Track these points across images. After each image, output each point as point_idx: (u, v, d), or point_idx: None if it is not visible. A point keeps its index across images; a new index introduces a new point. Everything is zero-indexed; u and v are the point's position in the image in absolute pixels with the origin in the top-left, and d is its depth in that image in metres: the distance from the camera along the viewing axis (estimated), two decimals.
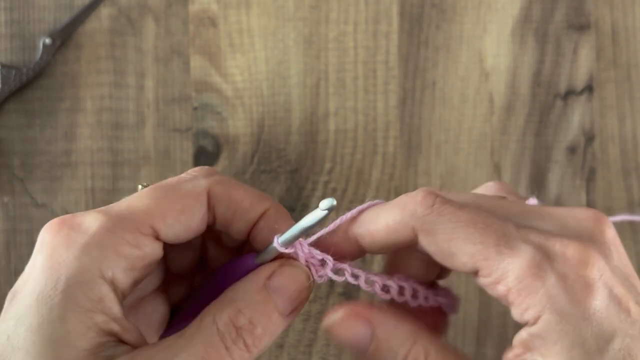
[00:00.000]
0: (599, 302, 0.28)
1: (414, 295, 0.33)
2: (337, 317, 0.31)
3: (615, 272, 0.29)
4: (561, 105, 0.52)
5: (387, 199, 0.51)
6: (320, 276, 0.32)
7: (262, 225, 0.32)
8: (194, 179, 0.32)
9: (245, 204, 0.32)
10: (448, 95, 0.52)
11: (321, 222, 0.30)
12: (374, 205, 0.33)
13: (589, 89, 0.52)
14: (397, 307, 0.33)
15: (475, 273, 0.30)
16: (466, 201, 0.31)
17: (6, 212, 0.50)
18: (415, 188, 0.51)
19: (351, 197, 0.51)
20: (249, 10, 0.51)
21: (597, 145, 0.52)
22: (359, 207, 0.32)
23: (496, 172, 0.52)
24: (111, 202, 0.50)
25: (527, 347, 0.28)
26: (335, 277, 0.32)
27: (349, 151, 0.51)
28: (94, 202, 0.50)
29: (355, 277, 0.32)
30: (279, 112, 0.51)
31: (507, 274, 0.28)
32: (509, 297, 0.29)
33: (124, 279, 0.29)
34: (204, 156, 0.51)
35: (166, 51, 0.51)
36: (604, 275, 0.28)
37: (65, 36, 0.50)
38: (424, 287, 0.33)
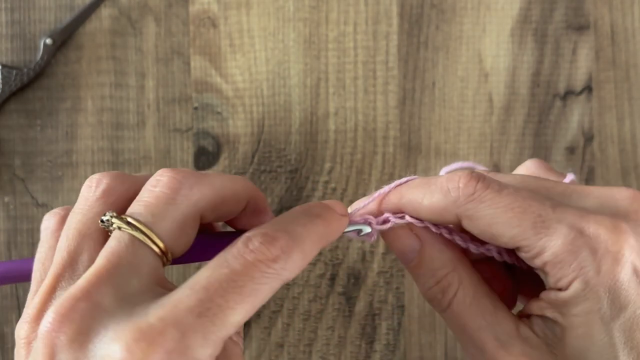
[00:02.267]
0: (622, 275, 0.30)
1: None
2: (394, 232, 0.34)
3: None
4: (560, 106, 0.52)
5: None
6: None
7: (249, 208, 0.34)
8: (270, 272, 0.29)
9: (235, 200, 0.33)
10: (447, 96, 0.52)
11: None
12: (411, 180, 0.34)
13: (588, 89, 0.52)
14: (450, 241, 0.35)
15: (516, 249, 0.32)
16: (509, 182, 0.33)
17: (7, 212, 0.50)
18: None
19: (351, 197, 0.51)
20: (249, 10, 0.51)
21: (596, 145, 0.52)
22: (397, 182, 0.34)
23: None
24: None
25: (552, 303, 0.32)
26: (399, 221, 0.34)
27: (349, 151, 0.51)
28: None
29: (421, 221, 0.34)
30: (279, 112, 0.51)
31: (544, 250, 0.31)
32: (545, 268, 0.31)
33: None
34: (205, 156, 0.51)
35: (167, 51, 0.51)
36: (633, 251, 0.31)
37: (65, 36, 0.50)
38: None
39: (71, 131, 0.51)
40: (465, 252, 0.35)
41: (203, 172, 0.32)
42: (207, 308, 0.26)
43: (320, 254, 0.51)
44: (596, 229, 0.31)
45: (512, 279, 0.36)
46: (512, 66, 0.52)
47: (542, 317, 0.32)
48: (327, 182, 0.51)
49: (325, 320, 0.51)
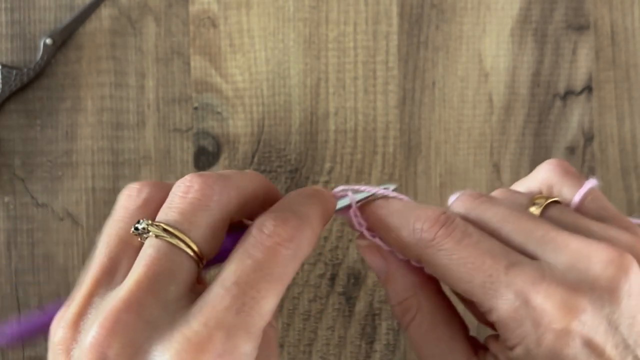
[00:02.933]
0: (568, 350, 0.29)
1: None
2: (364, 243, 0.35)
3: (607, 320, 0.30)
4: (560, 106, 0.52)
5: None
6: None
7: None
8: (294, 258, 0.30)
9: (256, 198, 0.33)
10: (447, 96, 0.52)
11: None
12: (385, 193, 0.35)
13: (588, 89, 0.52)
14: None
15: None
16: (489, 218, 0.32)
17: (7, 212, 0.50)
18: (414, 188, 0.51)
19: None
20: (249, 10, 0.51)
21: (596, 145, 0.52)
22: (373, 190, 0.35)
23: (495, 172, 0.52)
24: (112, 202, 0.51)
25: (502, 353, 0.31)
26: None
27: (349, 151, 0.51)
28: (94, 201, 0.50)
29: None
30: (279, 112, 0.51)
31: (491, 311, 0.30)
32: (495, 326, 0.31)
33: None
34: (205, 156, 0.51)
35: (167, 51, 0.51)
36: (585, 326, 0.29)
37: (65, 36, 0.50)
38: None
39: (71, 131, 0.51)
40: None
41: (224, 172, 0.32)
42: (242, 303, 0.27)
43: (320, 253, 0.51)
44: (543, 302, 0.29)
45: None
46: (512, 66, 0.52)
47: (495, 357, 0.32)
48: (327, 182, 0.51)
49: (325, 320, 0.51)
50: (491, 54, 0.52)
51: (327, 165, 0.51)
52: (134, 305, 0.27)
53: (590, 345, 0.29)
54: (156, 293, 0.27)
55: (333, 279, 0.51)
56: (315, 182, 0.51)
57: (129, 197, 0.32)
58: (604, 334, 0.29)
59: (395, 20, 0.52)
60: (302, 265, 0.51)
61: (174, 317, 0.27)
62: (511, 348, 0.31)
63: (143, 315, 0.27)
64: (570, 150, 0.52)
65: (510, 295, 0.30)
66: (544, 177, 0.36)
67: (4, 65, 0.50)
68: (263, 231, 0.29)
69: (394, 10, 0.52)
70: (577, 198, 0.35)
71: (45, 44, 0.50)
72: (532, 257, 0.31)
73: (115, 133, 0.51)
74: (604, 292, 0.30)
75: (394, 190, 0.35)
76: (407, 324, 0.34)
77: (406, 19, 0.52)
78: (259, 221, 0.29)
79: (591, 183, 0.35)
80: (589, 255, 0.30)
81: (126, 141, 0.51)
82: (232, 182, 0.31)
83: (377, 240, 0.35)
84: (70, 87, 0.51)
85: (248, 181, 0.32)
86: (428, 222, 0.32)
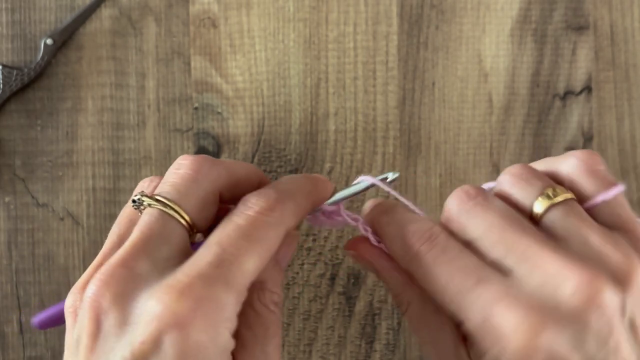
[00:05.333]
0: None
1: None
2: (350, 253, 0.38)
3: (573, 339, 0.30)
4: (560, 106, 0.52)
5: (387, 199, 0.51)
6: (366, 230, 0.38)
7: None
8: (278, 224, 0.33)
9: (248, 182, 0.36)
10: (447, 96, 0.52)
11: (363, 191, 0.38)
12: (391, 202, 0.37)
13: (588, 89, 0.52)
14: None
15: None
16: (477, 225, 0.33)
17: (7, 212, 0.50)
18: (414, 188, 0.51)
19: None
20: (249, 11, 0.51)
21: (596, 146, 0.52)
22: (368, 180, 0.38)
23: (495, 172, 0.52)
24: (112, 202, 0.51)
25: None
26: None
27: (349, 151, 0.51)
28: (95, 201, 0.50)
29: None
30: (279, 112, 0.51)
31: (461, 324, 0.32)
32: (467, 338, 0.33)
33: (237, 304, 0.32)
34: None
35: (167, 52, 0.51)
36: (549, 344, 0.30)
37: (66, 37, 0.50)
38: None
39: (71, 131, 0.51)
40: None
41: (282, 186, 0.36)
42: (222, 259, 0.31)
43: (320, 253, 0.51)
44: (500, 320, 0.30)
45: None
46: (512, 66, 0.52)
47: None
48: None
49: (325, 320, 0.51)
50: (491, 54, 0.52)
51: (327, 165, 0.51)
52: (127, 262, 0.30)
53: (554, 358, 0.30)
54: (148, 252, 0.31)
55: (333, 279, 0.51)
56: None
57: (141, 186, 0.36)
58: (569, 351, 0.30)
59: (395, 21, 0.52)
60: (302, 265, 0.51)
61: (162, 273, 0.30)
62: (480, 357, 0.32)
63: (134, 269, 0.30)
64: (570, 150, 0.52)
65: (475, 311, 0.31)
66: (568, 169, 0.35)
67: (4, 66, 0.50)
68: (246, 204, 0.33)
69: (394, 10, 0.52)
70: (593, 202, 0.34)
71: (45, 44, 0.50)
72: (507, 271, 0.32)
73: (116, 133, 0.51)
74: (568, 315, 0.30)
75: (395, 179, 0.37)
76: (403, 313, 0.37)
77: (406, 20, 0.52)
78: (244, 198, 0.33)
79: (616, 190, 0.34)
80: (561, 278, 0.30)
81: (126, 141, 0.51)
82: (222, 162, 0.35)
83: (370, 237, 0.37)
84: (71, 87, 0.51)
85: (239, 166, 0.36)
86: (414, 236, 0.34)
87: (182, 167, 0.34)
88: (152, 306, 0.29)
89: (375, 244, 0.37)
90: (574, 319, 0.30)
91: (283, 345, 0.51)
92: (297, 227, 0.38)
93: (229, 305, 0.30)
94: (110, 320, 0.30)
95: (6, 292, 0.50)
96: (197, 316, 0.29)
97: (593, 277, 0.30)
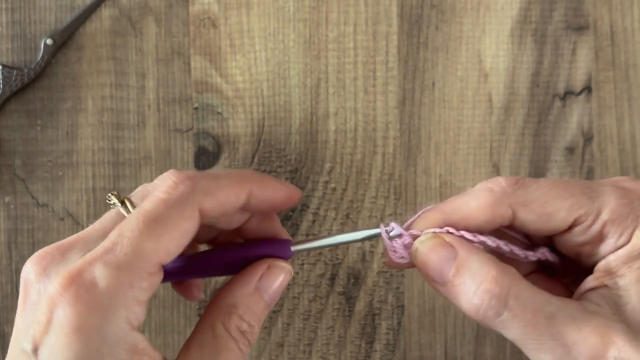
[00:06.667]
0: None
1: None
2: (427, 244, 0.35)
3: None
4: (560, 106, 0.52)
5: (387, 199, 0.51)
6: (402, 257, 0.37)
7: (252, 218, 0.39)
8: (181, 200, 0.33)
9: (231, 200, 0.35)
10: (447, 96, 0.52)
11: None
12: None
13: (588, 89, 0.52)
14: None
15: (571, 227, 0.34)
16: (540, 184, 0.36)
17: (7, 212, 0.50)
18: (415, 188, 0.51)
19: (351, 197, 0.51)
20: (249, 11, 0.51)
21: (596, 146, 0.52)
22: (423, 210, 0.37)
23: (495, 172, 0.52)
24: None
25: (610, 269, 0.33)
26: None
27: (349, 151, 0.51)
28: (95, 201, 0.50)
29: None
30: (279, 112, 0.51)
31: (601, 210, 0.33)
32: (604, 230, 0.34)
33: (143, 312, 0.32)
34: (205, 156, 0.51)
35: (167, 52, 0.51)
36: None
37: (66, 37, 0.50)
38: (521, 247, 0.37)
39: (72, 131, 0.51)
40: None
41: (211, 172, 0.36)
42: (115, 242, 0.31)
43: (320, 253, 0.51)
44: (630, 184, 0.34)
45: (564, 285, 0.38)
46: (512, 66, 0.52)
47: (598, 290, 0.33)
48: (327, 182, 0.51)
49: (325, 320, 0.51)
50: (491, 54, 0.52)
51: (327, 165, 0.51)
52: (63, 246, 0.33)
53: None
54: (87, 242, 0.33)
55: (333, 278, 0.51)
56: (315, 182, 0.51)
57: (140, 189, 0.37)
58: None
59: (395, 21, 0.52)
60: (302, 265, 0.51)
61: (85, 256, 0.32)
62: (627, 241, 0.33)
63: (65, 254, 0.32)
64: (570, 150, 0.52)
65: (611, 188, 0.34)
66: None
67: (4, 66, 0.50)
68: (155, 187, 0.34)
69: (394, 10, 0.52)
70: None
71: (45, 44, 0.50)
72: None
73: (116, 133, 0.51)
74: None
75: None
76: (505, 300, 0.33)
77: (406, 20, 0.52)
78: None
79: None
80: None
81: (126, 141, 0.51)
82: (201, 184, 0.34)
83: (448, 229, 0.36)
84: (71, 87, 0.51)
85: (221, 187, 0.35)
86: (499, 178, 0.35)
87: (160, 179, 0.35)
88: (50, 289, 0.31)
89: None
90: None
91: (283, 346, 0.51)
92: (288, 258, 0.37)
93: (121, 290, 0.30)
94: (32, 295, 0.32)
95: (6, 292, 0.50)
96: (80, 301, 0.30)
97: None
